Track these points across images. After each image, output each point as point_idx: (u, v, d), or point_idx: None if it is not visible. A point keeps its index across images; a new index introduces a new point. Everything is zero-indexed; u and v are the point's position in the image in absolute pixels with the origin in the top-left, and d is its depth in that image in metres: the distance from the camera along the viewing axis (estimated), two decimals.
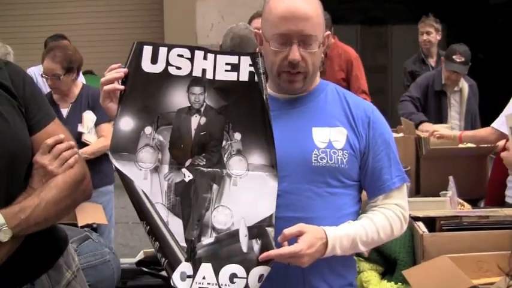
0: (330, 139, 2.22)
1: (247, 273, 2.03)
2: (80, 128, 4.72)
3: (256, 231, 2.08)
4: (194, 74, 2.15)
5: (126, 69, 2.14)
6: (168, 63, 2.14)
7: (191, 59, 2.15)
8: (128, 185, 2.08)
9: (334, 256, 2.16)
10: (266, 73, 2.22)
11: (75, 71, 4.80)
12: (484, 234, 3.00)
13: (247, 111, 2.16)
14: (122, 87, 2.13)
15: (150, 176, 2.09)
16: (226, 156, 2.12)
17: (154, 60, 2.14)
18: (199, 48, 2.17)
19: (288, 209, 2.15)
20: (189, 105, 2.15)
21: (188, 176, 2.11)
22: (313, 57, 2.19)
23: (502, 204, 3.97)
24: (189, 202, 2.10)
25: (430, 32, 6.73)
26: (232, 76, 2.16)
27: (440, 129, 5.03)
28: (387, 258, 3.25)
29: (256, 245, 2.06)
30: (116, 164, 2.08)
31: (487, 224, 3.16)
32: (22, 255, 2.10)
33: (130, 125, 2.11)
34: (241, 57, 2.17)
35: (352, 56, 5.79)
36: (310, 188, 2.18)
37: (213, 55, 2.17)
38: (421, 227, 3.13)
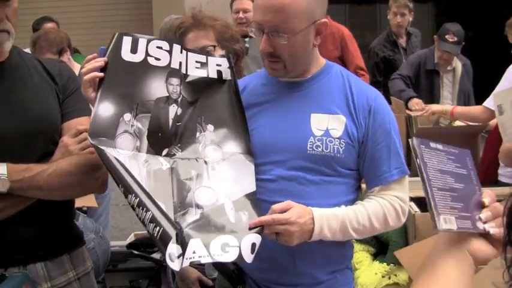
0: (327, 127, 2.16)
1: (239, 241, 1.98)
2: None
3: (242, 203, 2.07)
4: (172, 65, 2.20)
5: (105, 59, 2.13)
6: (147, 54, 2.17)
7: (169, 51, 2.20)
8: (109, 164, 2.02)
9: (329, 247, 2.15)
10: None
11: (66, 49, 4.77)
12: None
13: (217, 105, 2.22)
14: (102, 74, 2.10)
15: (128, 162, 2.05)
16: (201, 146, 2.15)
17: (134, 50, 2.16)
18: (177, 42, 2.25)
19: (282, 195, 2.11)
20: (167, 95, 2.18)
21: (165, 165, 2.10)
22: (289, 48, 2.10)
23: (495, 183, 3.96)
24: (169, 187, 2.06)
25: (405, 14, 6.38)
26: (202, 73, 2.25)
27: (431, 106, 4.99)
28: (379, 239, 3.24)
29: (244, 216, 2.04)
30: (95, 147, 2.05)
31: None
32: (20, 230, 2.11)
33: (109, 111, 2.08)
34: (209, 58, 2.27)
35: (345, 33, 5.84)
36: (304, 176, 2.14)
37: (186, 52, 2.24)
38: (412, 207, 3.12)
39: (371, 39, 6.82)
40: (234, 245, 1.97)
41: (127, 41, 2.16)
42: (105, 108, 2.08)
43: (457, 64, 5.72)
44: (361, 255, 3.20)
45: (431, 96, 5.62)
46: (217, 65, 2.26)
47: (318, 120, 2.17)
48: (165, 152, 2.12)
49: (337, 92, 2.22)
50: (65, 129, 2.23)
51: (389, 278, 3.02)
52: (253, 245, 1.98)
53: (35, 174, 2.06)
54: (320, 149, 2.14)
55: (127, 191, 2.00)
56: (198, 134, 2.16)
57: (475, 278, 2.39)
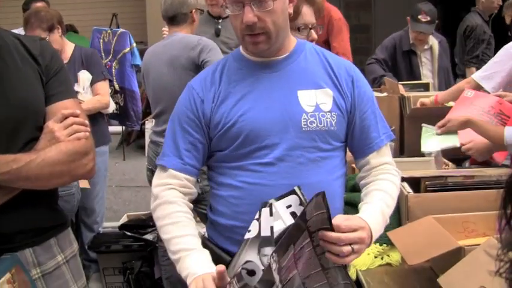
0: (316, 102, 2.16)
1: None
2: (76, 88, 4.77)
3: None
4: (263, 234, 1.98)
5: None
6: None
7: (258, 219, 1.99)
8: None
9: None
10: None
11: (57, 26, 4.77)
12: (469, 195, 2.98)
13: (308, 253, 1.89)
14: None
15: None
16: None
17: None
18: (264, 205, 2.01)
19: (282, 177, 2.10)
20: (262, 268, 1.89)
21: None
22: (272, 15, 2.10)
23: (488, 164, 3.95)
24: None
25: None
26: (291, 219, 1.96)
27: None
28: None
29: None
30: None
31: (472, 184, 3.14)
32: (7, 219, 2.06)
33: None
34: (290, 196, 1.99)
35: (334, 17, 5.57)
36: (302, 154, 2.14)
37: (276, 208, 1.98)
38: (405, 187, 3.11)
39: (366, 20, 6.79)
40: None
41: None
42: None
43: (434, 42, 5.78)
44: None
45: (412, 76, 5.69)
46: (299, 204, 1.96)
47: (306, 97, 2.17)
48: None
49: (317, 67, 2.23)
50: (49, 113, 2.15)
51: (382, 259, 3.01)
52: None
53: (23, 165, 2.00)
54: (315, 125, 2.14)
55: None
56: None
57: (467, 259, 2.39)
